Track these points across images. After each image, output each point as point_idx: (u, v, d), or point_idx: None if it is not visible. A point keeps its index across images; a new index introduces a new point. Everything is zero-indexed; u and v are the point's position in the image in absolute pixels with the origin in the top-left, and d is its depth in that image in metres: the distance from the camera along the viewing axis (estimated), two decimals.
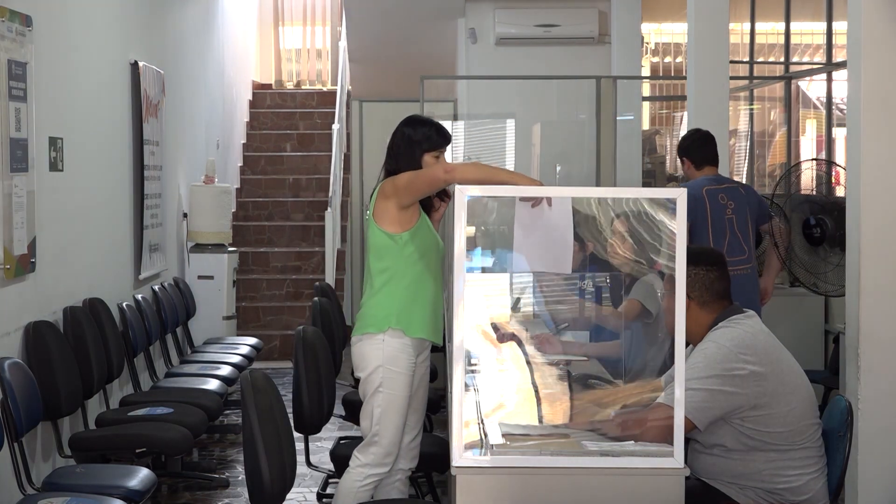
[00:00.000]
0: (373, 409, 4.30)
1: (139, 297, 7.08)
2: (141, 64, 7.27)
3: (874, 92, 4.52)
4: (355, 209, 11.73)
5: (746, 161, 10.13)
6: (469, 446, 3.30)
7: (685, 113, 8.81)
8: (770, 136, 10.59)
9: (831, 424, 3.75)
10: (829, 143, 8.13)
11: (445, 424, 5.13)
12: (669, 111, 12.90)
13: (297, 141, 12.84)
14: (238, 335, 9.08)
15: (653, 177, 10.22)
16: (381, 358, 4.29)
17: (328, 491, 5.60)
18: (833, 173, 7.05)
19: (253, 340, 8.35)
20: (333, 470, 4.92)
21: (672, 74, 13.02)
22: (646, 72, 12.07)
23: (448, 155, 4.52)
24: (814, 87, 10.19)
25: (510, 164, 9.99)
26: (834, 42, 8.00)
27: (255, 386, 3.43)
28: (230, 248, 9.25)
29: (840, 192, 6.92)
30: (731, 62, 7.31)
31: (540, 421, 3.58)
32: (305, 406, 4.73)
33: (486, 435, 3.39)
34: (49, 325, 5.34)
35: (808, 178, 7.07)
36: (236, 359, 7.52)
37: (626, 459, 3.32)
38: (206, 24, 10.23)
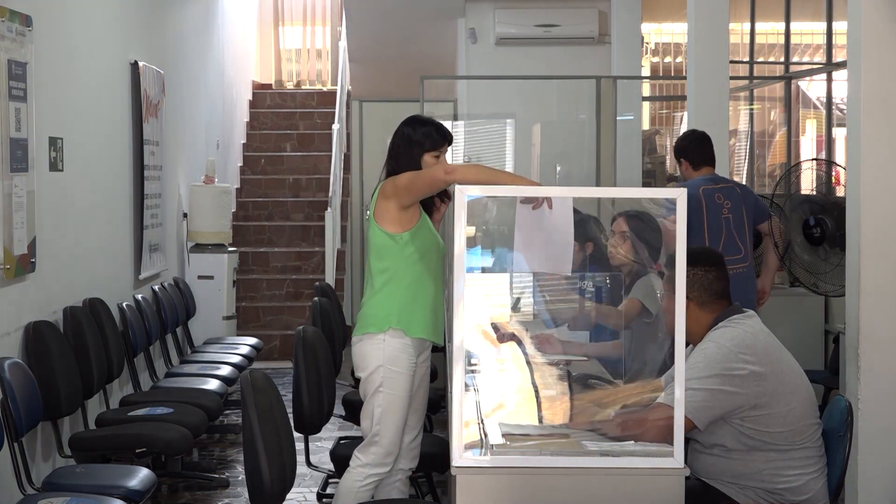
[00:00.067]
0: (373, 408, 4.30)
1: (139, 297, 7.08)
2: (141, 64, 7.27)
3: (874, 92, 4.52)
4: (355, 209, 11.73)
5: (746, 161, 10.13)
6: (469, 446, 3.30)
7: (685, 113, 8.82)
8: (770, 136, 10.60)
9: (831, 424, 3.75)
10: (829, 143, 8.14)
11: (445, 424, 5.13)
12: (669, 111, 12.90)
13: (297, 141, 12.84)
14: (238, 335, 9.08)
15: (653, 177, 10.22)
16: (381, 358, 4.29)
17: (328, 491, 5.60)
18: (833, 173, 7.04)
19: (253, 340, 8.35)
20: (333, 470, 4.92)
21: (672, 74, 13.02)
22: (646, 72, 12.07)
23: (448, 155, 4.52)
24: (814, 87, 10.20)
25: (510, 165, 9.99)
26: (834, 42, 8.00)
27: (255, 386, 3.43)
28: (230, 248, 9.25)
29: (840, 192, 6.92)
30: (731, 62, 7.31)
31: (540, 421, 3.59)
32: (305, 406, 4.73)
33: (486, 435, 3.39)
34: (49, 325, 5.34)
35: (808, 178, 7.07)
36: (236, 359, 7.52)
37: (626, 459, 3.32)
38: (206, 24, 10.23)
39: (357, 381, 4.50)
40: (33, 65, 5.26)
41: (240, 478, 6.11)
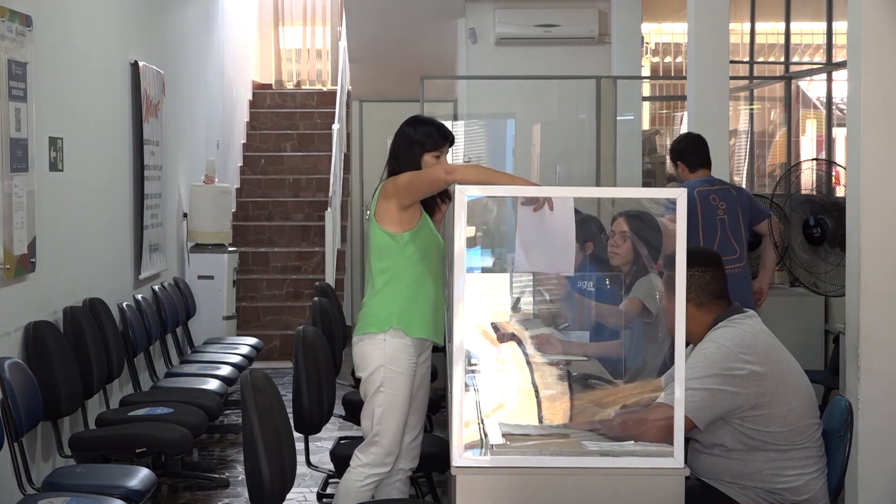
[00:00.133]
0: (374, 408, 4.30)
1: (139, 297, 7.08)
2: (141, 64, 7.27)
3: (874, 92, 4.52)
4: (355, 209, 11.73)
5: (746, 161, 10.13)
6: (469, 446, 3.30)
7: (685, 113, 8.82)
8: (770, 136, 10.59)
9: (831, 424, 3.75)
10: (829, 143, 8.14)
11: (445, 424, 5.13)
12: (669, 111, 12.90)
13: (297, 141, 12.84)
14: (238, 335, 9.08)
15: (653, 177, 10.22)
16: (382, 358, 4.29)
17: (328, 491, 5.60)
18: (833, 173, 7.04)
19: (253, 340, 8.35)
20: (333, 470, 4.92)
21: (672, 74, 13.02)
22: (646, 72, 12.07)
23: (448, 155, 4.52)
24: (814, 87, 10.20)
25: (510, 165, 9.99)
26: (834, 42, 8.00)
27: (255, 386, 3.43)
28: (230, 248, 9.25)
29: (840, 192, 6.92)
30: (731, 62, 7.31)
31: (540, 421, 3.59)
32: (305, 406, 4.73)
33: (486, 435, 3.39)
34: (49, 325, 5.34)
35: (808, 178, 7.07)
36: (236, 359, 7.52)
37: (626, 459, 3.32)
38: (206, 24, 10.23)
39: (357, 381, 4.50)
40: (33, 65, 5.26)
41: (240, 478, 6.11)
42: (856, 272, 4.55)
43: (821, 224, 6.56)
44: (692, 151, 6.02)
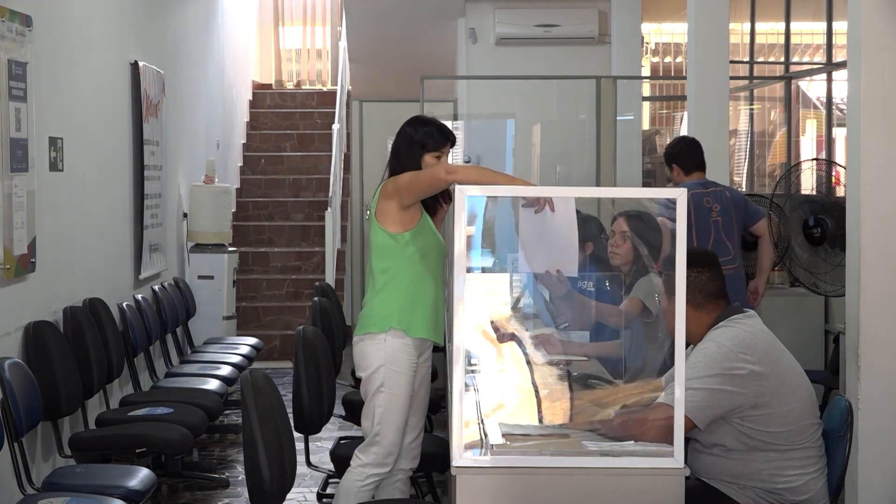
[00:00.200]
0: (374, 408, 4.30)
1: (139, 297, 7.08)
2: (141, 64, 7.27)
3: (874, 92, 4.52)
4: (355, 209, 11.73)
5: (746, 161, 10.13)
6: (469, 446, 3.30)
7: (685, 113, 8.81)
8: (770, 136, 10.60)
9: (831, 424, 3.75)
10: (829, 143, 8.14)
11: (445, 424, 5.13)
12: (669, 111, 12.90)
13: (297, 141, 12.84)
14: (238, 335, 9.08)
15: (653, 177, 10.22)
16: (382, 358, 4.29)
17: (328, 491, 5.60)
18: (833, 173, 7.04)
19: (253, 340, 8.35)
20: (333, 470, 4.92)
21: (672, 74, 13.02)
22: (646, 72, 12.07)
23: (448, 156, 4.52)
24: (814, 87, 10.20)
25: (510, 165, 9.99)
26: (834, 42, 8.00)
27: (255, 386, 3.43)
28: (230, 248, 9.25)
29: (840, 192, 6.92)
30: (731, 62, 7.31)
31: (540, 421, 3.58)
32: (305, 406, 4.73)
33: (486, 435, 3.39)
34: (49, 325, 5.34)
35: (808, 178, 7.07)
36: (236, 359, 7.52)
37: (626, 459, 3.32)
38: (206, 24, 10.23)
39: (357, 380, 4.50)
40: (33, 65, 5.26)
41: (240, 478, 6.11)
42: (856, 272, 4.55)
43: (821, 224, 6.57)
44: (687, 154, 6.10)
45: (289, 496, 3.63)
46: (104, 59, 6.71)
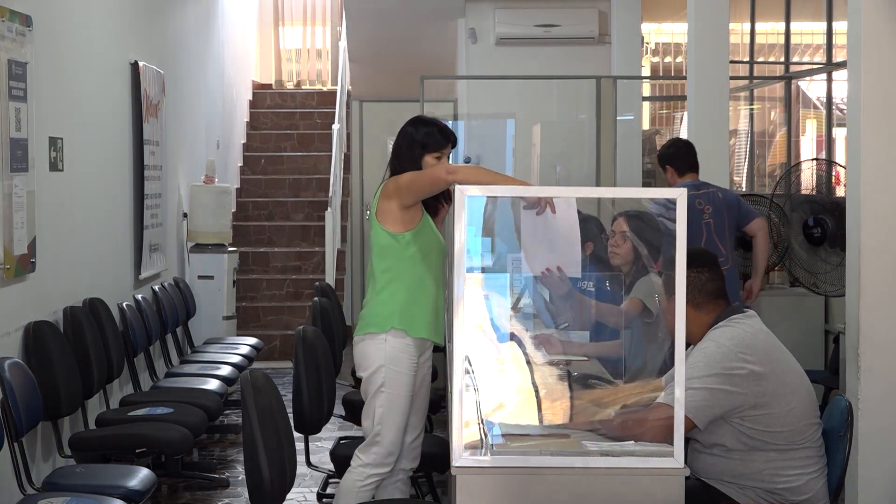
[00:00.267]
0: (375, 408, 4.30)
1: (139, 297, 7.08)
2: (141, 64, 7.27)
3: (874, 92, 4.52)
4: (355, 209, 11.73)
5: (746, 161, 10.13)
6: (469, 446, 3.30)
7: (685, 113, 8.82)
8: (770, 136, 10.60)
9: (831, 424, 3.75)
10: (829, 143, 8.14)
11: (445, 424, 5.13)
12: (669, 111, 12.90)
13: (297, 141, 12.84)
14: (238, 335, 9.08)
15: (653, 177, 10.21)
16: (383, 358, 4.29)
17: (328, 491, 5.60)
18: (833, 173, 7.05)
19: (253, 340, 8.35)
20: (333, 470, 4.92)
21: (672, 74, 13.02)
22: (646, 72, 12.07)
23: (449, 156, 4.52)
24: (814, 87, 10.20)
25: (510, 165, 9.99)
26: (834, 42, 8.00)
27: (255, 386, 3.43)
28: (230, 248, 9.25)
29: (840, 192, 6.92)
30: (731, 62, 7.31)
31: (540, 421, 3.58)
32: (305, 406, 4.73)
33: (486, 435, 3.39)
34: (49, 325, 5.34)
35: (808, 178, 7.08)
36: (236, 359, 7.52)
37: (626, 459, 3.32)
38: (206, 24, 10.23)
39: (358, 380, 4.50)
40: (33, 65, 5.26)
41: (240, 478, 6.11)
42: (856, 272, 4.55)
43: (821, 224, 6.57)
44: (681, 156, 6.17)
45: (289, 496, 3.63)
46: (104, 59, 6.71)
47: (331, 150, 11.56)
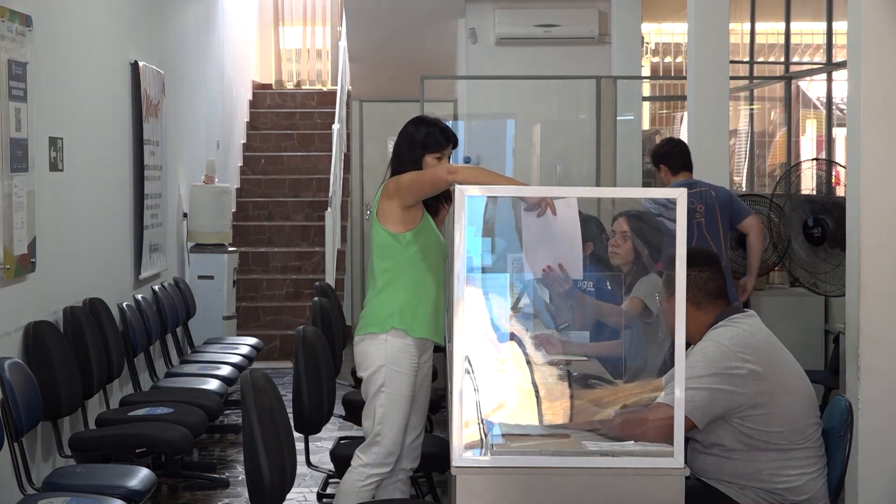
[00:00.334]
0: (375, 408, 4.30)
1: (139, 297, 7.08)
2: (141, 64, 7.27)
3: (874, 92, 4.52)
4: (355, 209, 11.73)
5: (746, 161, 10.13)
6: (469, 446, 3.30)
7: (685, 113, 8.81)
8: (770, 136, 10.60)
9: (831, 424, 3.75)
10: (829, 143, 8.13)
11: (445, 424, 5.12)
12: (669, 111, 12.90)
13: (297, 141, 12.84)
14: (238, 335, 9.07)
15: (653, 177, 10.20)
16: (383, 358, 4.29)
17: (328, 491, 5.60)
18: (833, 173, 7.05)
19: (253, 340, 8.34)
20: (333, 470, 4.92)
21: (672, 74, 13.02)
22: (646, 72, 12.07)
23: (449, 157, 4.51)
24: (814, 87, 10.20)
25: (510, 165, 9.99)
26: (834, 42, 8.00)
27: (255, 386, 3.43)
28: (230, 248, 9.25)
29: (840, 192, 6.92)
30: (731, 62, 7.31)
31: (540, 421, 3.58)
32: (305, 406, 4.73)
33: (486, 435, 3.39)
34: (49, 325, 5.34)
35: (808, 178, 7.08)
36: (236, 359, 7.52)
37: (626, 459, 3.31)
38: (206, 24, 10.23)
39: (358, 380, 4.50)
40: (33, 65, 5.26)
41: (240, 478, 6.11)
42: (856, 272, 4.55)
43: (821, 224, 6.57)
44: (675, 155, 6.22)
45: (289, 496, 3.63)
46: (104, 59, 6.71)
47: (331, 150, 11.56)
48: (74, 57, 6.07)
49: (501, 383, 3.61)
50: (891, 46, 4.51)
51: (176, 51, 8.68)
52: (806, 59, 10.53)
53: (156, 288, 7.59)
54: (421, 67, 9.87)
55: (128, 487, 4.45)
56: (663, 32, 13.09)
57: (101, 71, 6.61)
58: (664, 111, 13.04)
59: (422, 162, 4.35)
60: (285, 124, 13.14)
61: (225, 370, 7.12)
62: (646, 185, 9.77)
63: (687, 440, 3.51)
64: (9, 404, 4.55)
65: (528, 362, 3.69)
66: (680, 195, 3.29)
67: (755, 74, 9.87)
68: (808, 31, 10.10)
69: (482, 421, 3.41)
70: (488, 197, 3.60)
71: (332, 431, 6.93)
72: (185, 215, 8.94)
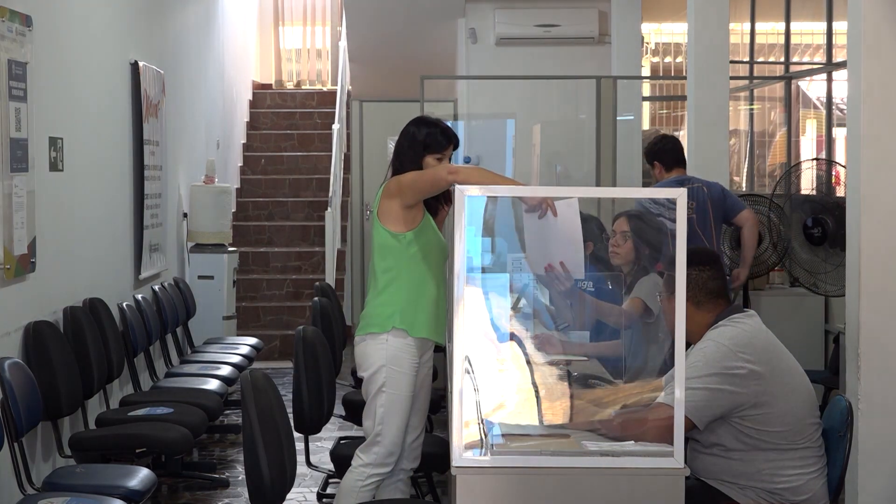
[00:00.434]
0: (376, 408, 4.30)
1: (139, 297, 7.08)
2: (141, 64, 7.27)
3: (874, 92, 4.51)
4: (355, 209, 11.73)
5: (746, 161, 10.13)
6: (469, 446, 3.30)
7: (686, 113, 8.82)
8: (770, 136, 10.60)
9: (831, 424, 3.75)
10: (829, 143, 8.13)
11: (445, 424, 5.13)
12: (669, 111, 12.90)
13: (297, 141, 12.84)
14: (238, 335, 9.07)
15: (653, 177, 10.21)
16: (384, 358, 4.29)
17: (328, 491, 5.60)
18: (833, 173, 7.05)
19: (253, 340, 8.34)
20: (333, 470, 4.92)
21: (672, 74, 13.02)
22: (646, 72, 12.07)
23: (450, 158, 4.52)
24: (814, 87, 10.20)
25: (510, 165, 9.99)
26: (834, 42, 8.00)
27: (255, 386, 3.43)
28: (230, 248, 9.24)
29: (840, 192, 6.92)
30: (731, 62, 7.31)
31: (540, 421, 3.58)
32: (305, 406, 4.73)
33: (486, 435, 3.39)
34: (49, 325, 5.34)
35: (808, 178, 7.08)
36: (236, 359, 7.52)
37: (626, 459, 3.31)
38: (206, 24, 10.23)
39: (358, 380, 4.50)
40: (33, 65, 5.26)
41: (240, 478, 6.11)
42: (856, 272, 4.55)
43: (821, 224, 6.57)
44: (669, 152, 6.27)
45: (289, 496, 3.63)
46: (104, 59, 6.71)
47: (331, 150, 11.56)
48: (74, 57, 6.07)
49: (501, 383, 3.61)
50: (891, 46, 4.50)
51: (176, 51, 8.68)
52: (806, 59, 10.53)
53: (156, 288, 7.59)
54: (421, 67, 9.87)
55: (128, 487, 4.45)
56: (663, 32, 13.10)
57: (101, 71, 6.61)
58: (664, 111, 13.04)
59: (422, 162, 4.35)
60: (285, 124, 13.14)
61: (225, 370, 7.12)
62: (646, 184, 9.77)
63: (687, 440, 3.51)
64: (9, 404, 4.56)
65: (528, 362, 3.69)
66: (680, 195, 3.29)
67: (755, 74, 9.87)
68: (808, 31, 10.10)
69: (482, 421, 3.41)
70: (488, 197, 3.61)
71: (332, 431, 6.93)
72: (185, 215, 8.94)
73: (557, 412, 3.64)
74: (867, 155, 4.52)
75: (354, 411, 5.45)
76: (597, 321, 4.17)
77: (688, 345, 3.51)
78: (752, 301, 6.98)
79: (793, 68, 9.34)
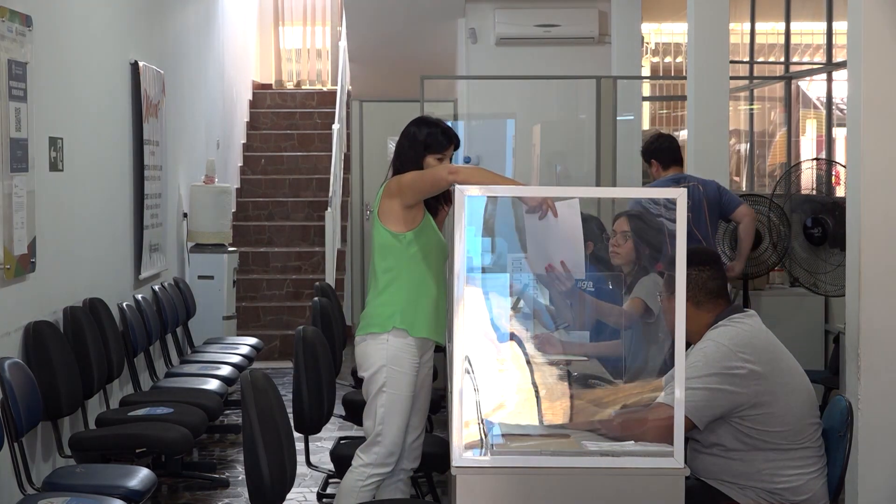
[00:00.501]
0: (376, 408, 4.30)
1: (139, 297, 7.08)
2: (141, 64, 7.27)
3: (874, 92, 4.51)
4: (355, 209, 11.73)
5: (746, 161, 10.13)
6: (469, 446, 3.30)
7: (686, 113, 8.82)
8: (770, 136, 10.60)
9: (831, 424, 3.75)
10: (829, 143, 8.13)
11: (445, 424, 5.12)
12: (669, 111, 12.90)
13: (297, 141, 12.84)
14: (238, 335, 9.07)
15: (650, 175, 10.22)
16: (384, 358, 4.29)
17: (328, 491, 5.60)
18: (833, 173, 7.04)
19: (253, 340, 8.34)
20: (333, 470, 4.92)
21: (672, 74, 13.02)
22: (646, 72, 12.07)
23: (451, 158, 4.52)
24: (814, 87, 10.20)
25: (510, 165, 9.99)
26: (834, 42, 8.00)
27: (255, 386, 3.43)
28: (230, 248, 9.24)
29: (840, 192, 6.92)
30: (731, 62, 7.32)
31: (540, 421, 3.58)
32: (305, 406, 4.73)
33: (486, 435, 3.39)
34: (49, 325, 5.34)
35: (808, 178, 7.07)
36: (236, 359, 7.52)
37: (626, 459, 3.31)
38: (206, 24, 10.23)
39: (358, 380, 4.50)
40: (33, 65, 5.26)
41: (240, 478, 6.11)
42: (856, 272, 4.55)
43: (821, 224, 6.57)
44: (665, 150, 6.34)
45: (289, 496, 3.63)
46: (104, 59, 6.71)
47: (331, 150, 11.56)
48: (74, 57, 6.07)
49: (501, 383, 3.61)
50: (891, 46, 4.50)
51: (176, 51, 8.68)
52: (806, 59, 10.53)
53: (156, 288, 7.59)
54: (421, 67, 9.87)
55: (128, 487, 4.45)
56: (663, 32, 13.10)
57: (101, 71, 6.61)
58: (664, 111, 13.04)
59: (423, 162, 4.36)
60: (285, 124, 13.14)
61: (225, 370, 7.12)
62: (645, 184, 9.77)
63: (687, 440, 3.51)
64: (9, 404, 4.56)
65: (528, 362, 3.69)
66: (680, 195, 3.29)
67: (755, 74, 9.87)
68: (808, 31, 10.11)
69: (482, 421, 3.41)
70: (488, 197, 3.61)
71: (332, 431, 6.93)
72: (185, 215, 8.94)
73: (557, 412, 3.64)
74: (867, 155, 4.52)
75: (354, 411, 5.45)
76: (597, 321, 4.17)
77: (688, 345, 3.51)
78: (752, 301, 6.98)
79: (793, 68, 9.34)
